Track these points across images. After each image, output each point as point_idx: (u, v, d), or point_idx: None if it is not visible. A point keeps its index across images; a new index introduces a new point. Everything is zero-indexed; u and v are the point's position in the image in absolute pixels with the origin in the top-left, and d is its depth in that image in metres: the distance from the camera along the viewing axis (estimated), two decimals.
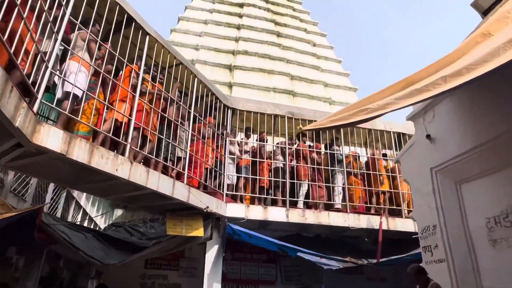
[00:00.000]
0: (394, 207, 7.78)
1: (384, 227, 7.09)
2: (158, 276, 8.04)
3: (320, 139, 8.38)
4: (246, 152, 7.54)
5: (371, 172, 7.96)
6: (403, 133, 8.71)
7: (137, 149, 5.37)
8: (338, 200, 7.47)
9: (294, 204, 7.29)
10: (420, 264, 4.97)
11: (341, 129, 8.37)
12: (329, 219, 6.96)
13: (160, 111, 5.83)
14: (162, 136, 5.87)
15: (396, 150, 8.59)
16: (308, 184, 7.42)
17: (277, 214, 6.76)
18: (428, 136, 5.23)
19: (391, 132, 8.66)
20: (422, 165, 5.42)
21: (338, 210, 7.24)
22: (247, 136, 7.83)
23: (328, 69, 15.30)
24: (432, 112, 5.31)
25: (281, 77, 13.97)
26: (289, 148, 7.59)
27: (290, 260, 7.39)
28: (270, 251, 6.99)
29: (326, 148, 8.45)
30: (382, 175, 8.14)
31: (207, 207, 6.02)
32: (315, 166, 7.62)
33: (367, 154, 8.74)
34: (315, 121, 7.14)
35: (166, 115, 5.94)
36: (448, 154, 4.96)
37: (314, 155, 7.78)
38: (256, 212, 6.71)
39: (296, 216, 6.85)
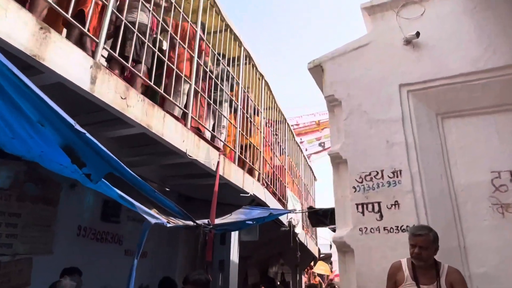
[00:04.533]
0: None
1: (221, 171, 4.29)
2: None
3: None
4: None
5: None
6: None
7: None
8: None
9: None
10: (339, 235, 2.88)
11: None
12: (164, 127, 3.32)
13: None
14: None
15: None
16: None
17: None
18: (417, 34, 3.27)
19: None
20: (382, 80, 3.36)
21: (177, 119, 3.68)
22: None
23: None
24: (422, 7, 3.43)
25: None
26: None
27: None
28: None
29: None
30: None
31: None
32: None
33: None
34: None
35: None
36: (433, 71, 3.21)
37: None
38: None
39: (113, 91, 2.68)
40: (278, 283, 9.10)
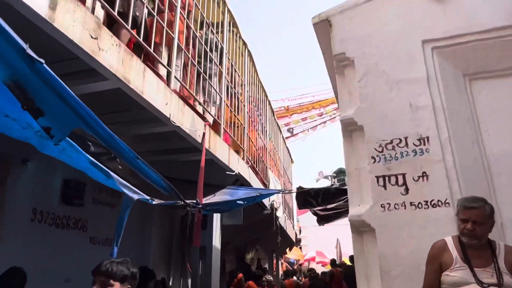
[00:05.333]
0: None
1: (207, 144, 3.70)
2: None
3: None
4: None
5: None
6: None
7: None
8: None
9: None
10: (357, 213, 2.46)
11: None
12: (144, 83, 2.66)
13: None
14: None
15: None
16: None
17: None
18: None
19: None
20: (403, 36, 2.92)
21: (158, 75, 3.01)
22: None
23: None
24: None
25: None
26: None
27: None
28: None
29: None
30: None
31: None
32: None
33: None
34: None
35: None
36: (461, 26, 2.82)
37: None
38: None
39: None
40: (254, 269, 8.70)
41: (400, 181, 2.58)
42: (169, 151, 4.16)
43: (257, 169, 5.97)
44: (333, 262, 9.61)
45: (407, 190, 2.55)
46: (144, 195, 2.36)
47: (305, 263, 15.99)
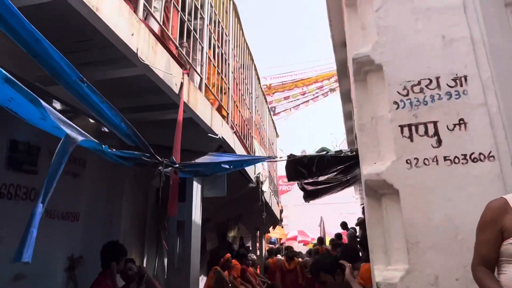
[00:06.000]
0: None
1: (185, 97, 3.05)
2: None
3: None
4: None
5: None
6: None
7: None
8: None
9: None
10: (375, 171, 1.94)
11: None
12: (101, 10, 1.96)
13: None
14: None
15: None
16: None
17: None
18: None
19: None
20: None
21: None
22: None
23: None
24: None
25: None
26: None
27: None
28: None
29: None
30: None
31: None
32: None
33: None
34: None
35: None
36: None
37: None
38: None
39: None
40: (237, 248, 8.25)
41: (431, 131, 2.05)
42: (138, 108, 3.49)
43: (242, 138, 5.38)
44: (320, 240, 9.32)
45: (439, 141, 2.02)
46: (93, 139, 1.72)
47: (286, 242, 15.76)
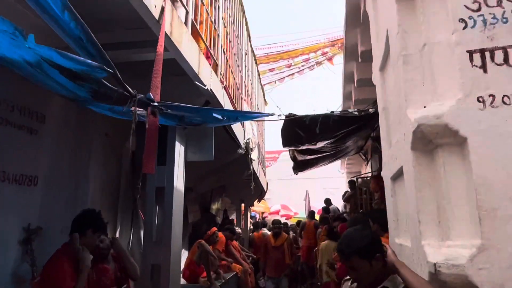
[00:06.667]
0: None
1: (167, 28, 2.36)
2: None
3: None
4: None
5: None
6: None
7: None
8: None
9: None
10: (434, 113, 1.35)
11: None
12: None
13: None
14: None
15: None
16: None
17: None
18: None
19: None
20: None
21: None
22: None
23: None
24: None
25: None
26: None
27: None
28: None
29: None
30: None
31: None
32: None
33: None
34: None
35: None
36: None
37: None
38: None
39: None
40: (220, 221, 7.75)
41: None
42: (108, 45, 2.77)
43: (232, 98, 4.73)
44: (311, 213, 8.90)
45: None
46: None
47: (268, 216, 15.45)
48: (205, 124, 2.48)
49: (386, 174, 2.51)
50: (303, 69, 19.53)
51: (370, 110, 3.59)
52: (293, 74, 19.59)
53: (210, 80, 3.50)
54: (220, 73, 4.06)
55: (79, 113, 3.61)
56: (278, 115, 3.50)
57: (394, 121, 2.23)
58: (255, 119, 3.28)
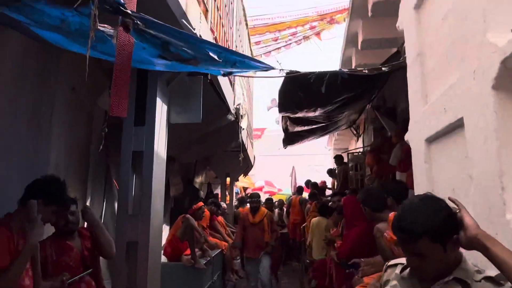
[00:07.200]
0: None
1: None
2: None
3: None
4: None
5: None
6: None
7: None
8: None
9: None
10: None
11: None
12: None
13: None
14: None
15: None
16: None
17: None
18: None
19: None
20: None
21: None
22: None
23: None
24: None
25: None
26: None
27: None
28: None
29: None
30: None
31: None
32: None
33: None
34: None
35: None
36: None
37: None
38: None
39: None
40: (203, 195, 7.28)
41: None
42: None
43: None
44: (299, 189, 8.51)
45: None
46: None
47: (251, 192, 15.14)
48: (195, 61, 1.91)
49: (417, 136, 2.06)
50: (290, 43, 18.78)
51: (383, 68, 3.11)
52: (279, 48, 18.83)
53: (199, 24, 2.91)
54: (211, 22, 3.47)
55: (38, 61, 2.96)
56: (280, 70, 2.97)
57: (439, 66, 1.76)
58: (256, 69, 2.72)
